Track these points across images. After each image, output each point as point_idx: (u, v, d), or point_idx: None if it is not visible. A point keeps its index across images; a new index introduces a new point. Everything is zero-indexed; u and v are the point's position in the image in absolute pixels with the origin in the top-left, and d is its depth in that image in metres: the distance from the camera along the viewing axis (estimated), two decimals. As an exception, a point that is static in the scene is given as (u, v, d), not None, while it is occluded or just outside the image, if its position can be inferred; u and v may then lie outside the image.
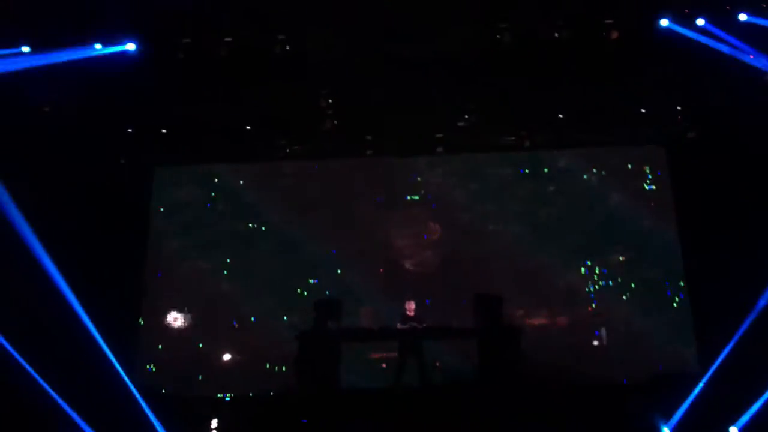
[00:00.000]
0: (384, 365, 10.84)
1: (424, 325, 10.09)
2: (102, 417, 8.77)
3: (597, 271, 11.77)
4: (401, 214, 12.25)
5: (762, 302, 9.47)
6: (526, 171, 12.24)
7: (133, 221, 11.53)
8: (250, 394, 10.84)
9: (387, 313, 10.96)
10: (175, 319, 11.67)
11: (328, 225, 11.91)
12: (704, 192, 10.87)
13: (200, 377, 11.17)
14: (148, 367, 11.24)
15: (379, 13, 9.07)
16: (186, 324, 11.58)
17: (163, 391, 10.88)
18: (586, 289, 11.75)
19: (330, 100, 10.89)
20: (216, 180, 12.26)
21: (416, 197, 12.26)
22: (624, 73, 9.97)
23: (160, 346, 11.37)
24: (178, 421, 9.18)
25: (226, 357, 11.51)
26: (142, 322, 11.40)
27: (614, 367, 10.86)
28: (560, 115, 11.20)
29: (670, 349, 10.88)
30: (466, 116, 11.28)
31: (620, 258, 11.74)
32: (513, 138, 11.76)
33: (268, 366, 11.28)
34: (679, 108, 11.05)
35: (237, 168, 12.10)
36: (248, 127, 11.38)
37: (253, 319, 11.62)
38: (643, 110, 11.07)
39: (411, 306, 10.31)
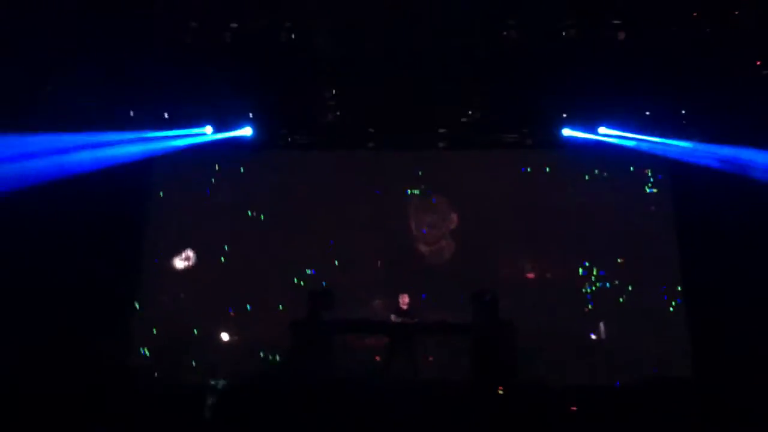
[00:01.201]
0: (377, 357, 10.81)
1: (417, 319, 10.07)
2: (94, 400, 8.79)
3: (594, 272, 11.74)
4: (401, 207, 12.20)
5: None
6: (528, 169, 12.21)
7: (132, 204, 11.56)
8: (243, 382, 10.85)
9: (382, 306, 10.98)
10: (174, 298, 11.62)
11: (326, 216, 11.89)
12: (703, 197, 10.87)
13: (194, 363, 11.16)
14: (141, 350, 11.25)
15: (385, 7, 9.07)
16: (181, 309, 11.54)
17: (156, 374, 10.93)
18: (583, 290, 11.71)
19: (333, 91, 10.90)
20: (216, 167, 12.22)
21: (417, 191, 12.23)
22: (628, 73, 9.95)
23: (154, 330, 11.35)
24: (169, 405, 9.18)
25: (221, 343, 11.50)
26: (138, 306, 11.42)
27: (608, 369, 10.84)
28: (564, 114, 11.21)
29: (665, 353, 10.86)
30: (470, 112, 11.31)
31: (618, 260, 11.69)
32: (516, 135, 11.78)
33: (262, 354, 11.29)
34: (683, 112, 11.03)
35: (238, 156, 12.05)
36: (250, 115, 11.41)
37: (248, 307, 11.61)
38: (647, 113, 11.06)
39: (405, 299, 10.30)
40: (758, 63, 9.87)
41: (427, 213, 12.13)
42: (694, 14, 9.23)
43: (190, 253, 11.87)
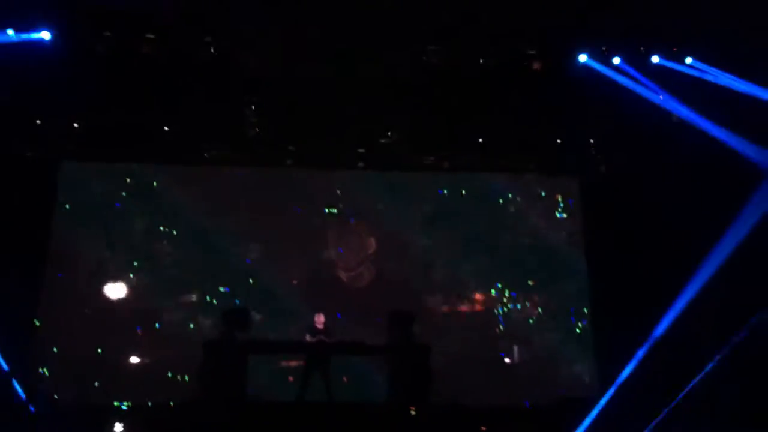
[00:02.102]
0: (291, 378, 10.67)
1: (332, 339, 10.02)
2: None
3: (506, 294, 12.01)
4: (319, 226, 12.13)
5: (657, 332, 9.93)
6: (445, 192, 12.40)
7: (36, 216, 11.01)
8: (149, 403, 10.47)
9: (297, 325, 10.83)
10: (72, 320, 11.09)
11: (243, 233, 11.68)
12: (612, 223, 11.37)
13: (97, 383, 10.66)
14: (41, 370, 10.67)
15: (309, 29, 9.11)
16: (85, 326, 11.02)
17: (56, 396, 10.39)
18: (495, 311, 11.96)
19: (253, 107, 10.79)
20: (128, 180, 11.79)
21: (334, 210, 12.20)
22: (544, 103, 10.33)
23: (55, 349, 10.79)
24: (70, 429, 8.75)
25: (126, 363, 11.05)
26: (38, 323, 10.84)
27: (518, 389, 11.10)
28: (480, 139, 11.51)
29: (572, 373, 11.22)
30: (389, 133, 11.42)
31: (529, 282, 12.02)
32: (433, 158, 11.97)
33: (170, 374, 10.90)
34: (592, 141, 11.54)
35: (152, 169, 11.71)
36: (165, 128, 11.13)
37: (157, 325, 11.22)
38: (558, 140, 11.51)
39: (320, 319, 10.21)
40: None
41: (345, 233, 12.11)
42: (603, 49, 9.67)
43: (95, 268, 11.34)
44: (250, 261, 11.62)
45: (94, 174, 11.42)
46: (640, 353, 10.33)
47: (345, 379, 10.79)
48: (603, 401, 10.34)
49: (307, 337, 10.06)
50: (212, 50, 9.56)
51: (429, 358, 10.13)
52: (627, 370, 10.39)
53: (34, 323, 10.83)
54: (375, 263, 12.03)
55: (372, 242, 12.09)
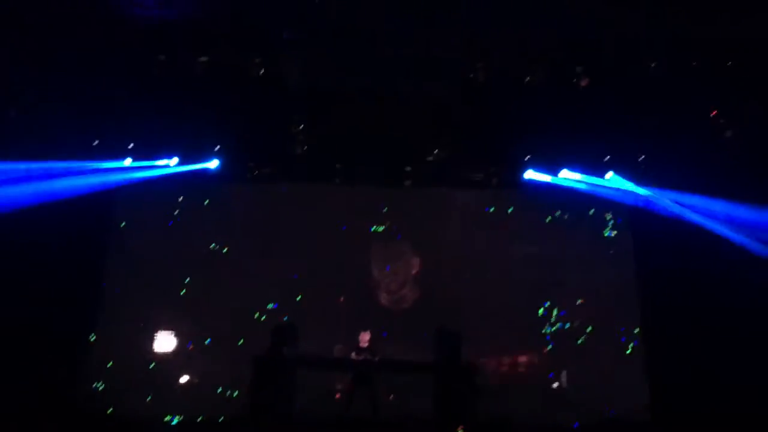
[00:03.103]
0: (338, 395, 10.70)
1: (377, 357, 10.03)
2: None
3: (555, 313, 11.85)
4: (365, 244, 12.19)
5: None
6: (492, 209, 12.35)
7: (94, 236, 11.37)
8: (200, 418, 10.64)
9: (343, 343, 10.86)
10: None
11: (291, 250, 11.80)
12: (664, 241, 11.15)
13: (149, 398, 10.88)
14: (95, 385, 10.94)
15: (357, 47, 9.24)
16: (139, 341, 11.28)
17: (109, 411, 10.63)
18: (543, 331, 11.80)
19: (301, 126, 10.96)
20: (180, 199, 12.09)
21: (380, 228, 12.25)
22: (591, 119, 10.25)
23: (110, 364, 11.05)
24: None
25: (178, 378, 11.25)
26: (93, 338, 11.14)
27: (567, 410, 10.90)
28: (527, 156, 11.46)
29: (622, 395, 10.97)
30: (436, 151, 11.47)
31: (578, 301, 11.83)
32: (481, 175, 11.96)
33: (220, 390, 11.06)
34: (642, 158, 11.37)
35: (202, 188, 11.97)
36: (217, 147, 11.39)
37: (208, 341, 11.41)
38: (608, 157, 11.38)
39: (365, 337, 10.24)
40: (714, 113, 10.28)
41: (391, 252, 12.13)
42: (653, 65, 9.60)
43: (150, 285, 11.58)
44: (297, 277, 11.73)
45: (148, 192, 11.69)
46: (695, 376, 10.14)
47: (391, 397, 10.78)
48: (656, 426, 10.18)
49: (353, 355, 10.09)
50: (262, 70, 9.77)
51: (476, 377, 10.03)
52: (682, 394, 10.19)
53: (89, 338, 11.13)
54: (419, 283, 12.00)
55: (416, 262, 12.09)
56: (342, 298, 11.71)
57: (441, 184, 12.01)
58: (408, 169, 11.91)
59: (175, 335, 11.46)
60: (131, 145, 11.11)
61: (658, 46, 9.08)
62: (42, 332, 10.28)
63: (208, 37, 9.50)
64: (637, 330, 11.57)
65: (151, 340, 11.37)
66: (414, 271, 12.10)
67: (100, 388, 10.96)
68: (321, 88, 9.97)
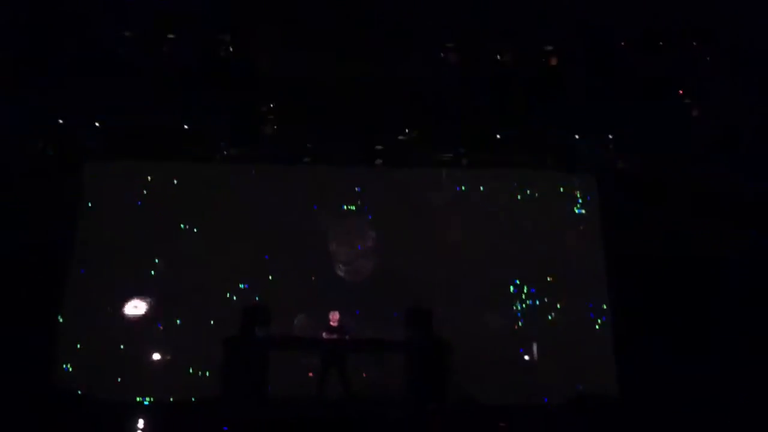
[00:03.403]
0: (310, 374, 10.74)
1: (348, 336, 10.08)
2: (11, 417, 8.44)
3: (525, 290, 11.99)
4: (337, 223, 12.18)
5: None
6: (463, 188, 12.39)
7: (59, 216, 11.17)
8: (171, 399, 10.62)
9: (316, 322, 10.90)
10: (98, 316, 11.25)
11: (262, 230, 11.74)
12: (630, 220, 11.30)
13: (119, 379, 10.82)
14: (64, 366, 10.85)
15: (328, 27, 9.12)
16: (108, 323, 11.17)
17: (79, 392, 10.56)
18: (514, 308, 11.94)
19: (271, 105, 10.84)
20: (149, 178, 11.94)
21: (353, 207, 12.24)
22: (561, 99, 10.27)
23: (78, 345, 10.96)
24: (93, 425, 8.90)
25: (148, 359, 11.19)
26: (61, 320, 11.01)
27: (537, 386, 11.09)
28: (498, 136, 11.48)
29: (591, 370, 11.17)
30: (407, 130, 11.43)
31: (548, 279, 11.98)
32: (451, 155, 11.97)
33: (191, 370, 11.03)
34: (610, 137, 11.46)
35: (172, 167, 11.82)
36: (185, 126, 11.22)
37: (179, 321, 11.35)
38: (576, 136, 11.44)
39: (335, 316, 10.28)
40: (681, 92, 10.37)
41: (363, 229, 12.14)
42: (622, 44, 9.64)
43: (118, 265, 11.46)
44: (268, 258, 11.69)
45: (116, 173, 11.54)
46: (662, 350, 10.36)
47: (364, 374, 10.85)
48: (623, 399, 10.40)
49: (324, 335, 10.13)
50: (230, 48, 9.61)
51: (448, 356, 10.15)
52: (649, 367, 10.40)
53: (58, 320, 11.00)
54: (392, 257, 12.00)
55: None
56: (313, 277, 11.73)
57: (412, 163, 12.00)
58: (379, 147, 11.86)
59: (145, 316, 11.35)
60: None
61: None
62: (9, 314, 10.13)
63: (176, 15, 9.30)
64: (605, 306, 11.75)
65: (121, 321, 11.27)
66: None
67: (70, 370, 10.87)
68: (291, 69, 9.84)
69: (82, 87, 9.78)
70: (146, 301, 11.45)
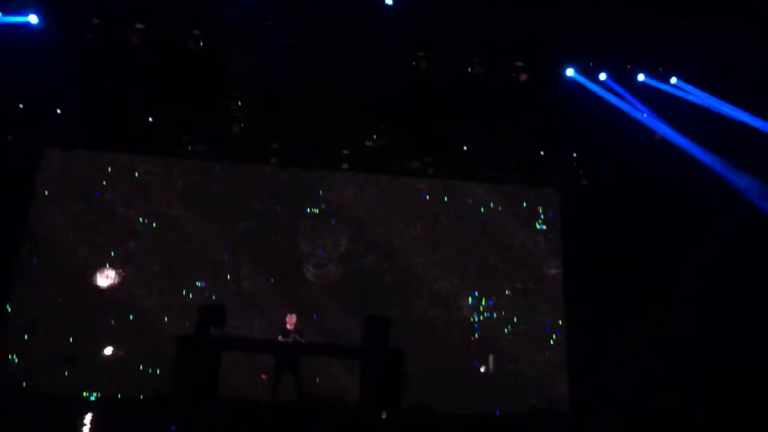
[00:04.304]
0: (263, 376, 10.62)
1: (304, 340, 10.01)
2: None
3: (483, 303, 12.04)
4: (300, 225, 12.09)
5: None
6: (427, 197, 12.42)
7: (13, 202, 10.89)
8: (119, 396, 10.41)
9: (271, 324, 10.79)
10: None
11: (222, 229, 11.60)
12: (590, 237, 11.47)
13: (66, 373, 10.56)
14: (10, 357, 10.55)
15: (299, 27, 9.12)
16: (58, 315, 10.88)
17: (24, 384, 10.28)
18: (472, 319, 11.99)
19: (239, 103, 10.76)
20: (109, 169, 11.69)
21: (316, 211, 12.16)
22: (529, 114, 10.42)
23: (26, 336, 10.67)
24: (36, 418, 8.65)
25: (98, 354, 10.94)
26: (9, 309, 10.72)
27: (490, 398, 11.15)
28: (465, 147, 11.57)
29: (544, 385, 11.28)
30: (374, 136, 11.45)
31: (506, 292, 12.06)
32: (417, 163, 12.02)
33: (141, 367, 10.82)
34: (574, 154, 11.65)
35: (133, 159, 11.62)
36: (150, 119, 11.07)
37: (131, 317, 11.12)
38: (542, 152, 11.60)
39: (292, 319, 10.18)
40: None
41: (325, 233, 12.06)
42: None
43: (72, 256, 11.20)
44: (227, 256, 11.55)
45: (76, 161, 11.30)
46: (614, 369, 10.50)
47: (317, 379, 10.78)
48: (573, 414, 10.50)
49: (279, 338, 10.03)
50: (200, 43, 9.51)
51: (402, 363, 10.12)
52: (600, 384, 10.53)
53: (6, 309, 10.71)
54: (345, 261, 11.96)
55: (344, 240, 12.05)
56: (272, 279, 11.62)
57: (378, 170, 12.01)
58: (346, 152, 11.84)
59: (97, 310, 11.09)
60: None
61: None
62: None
63: (149, 8, 9.19)
64: (560, 322, 11.87)
65: (72, 313, 10.97)
66: (341, 249, 12.05)
67: (15, 361, 10.58)
68: (262, 69, 9.79)
69: (47, 71, 9.62)
70: (99, 295, 11.18)
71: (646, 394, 10.11)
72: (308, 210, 12.15)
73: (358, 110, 10.59)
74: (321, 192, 12.15)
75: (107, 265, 11.30)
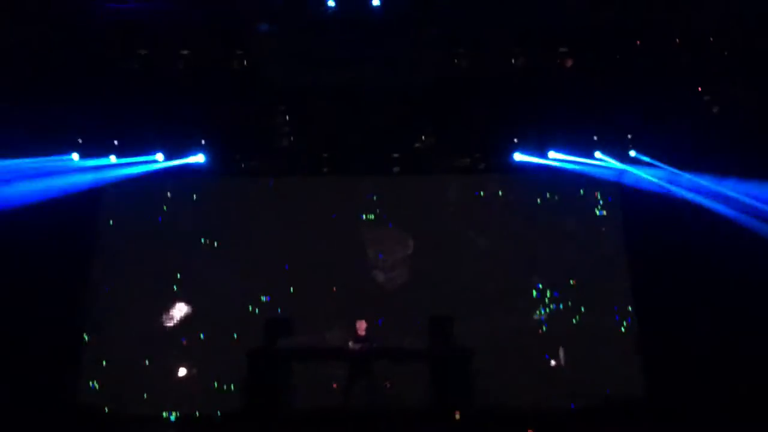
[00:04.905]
0: (335, 385, 10.69)
1: (375, 345, 10.03)
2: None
3: (548, 294, 11.84)
4: (356, 232, 12.15)
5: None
6: (481, 193, 12.30)
7: (80, 233, 11.29)
8: (197, 413, 10.64)
9: (340, 332, 10.84)
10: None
11: (282, 242, 11.74)
12: (654, 219, 11.18)
13: (145, 395, 10.86)
14: (90, 384, 10.91)
15: (336, 38, 9.18)
16: (132, 339, 11.20)
17: (106, 409, 10.61)
18: (537, 312, 11.80)
19: (287, 117, 10.90)
20: (168, 194, 12.01)
21: (372, 216, 12.20)
22: (578, 100, 10.23)
23: (104, 362, 11.02)
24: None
25: (173, 375, 11.21)
26: (86, 337, 11.09)
27: (563, 390, 10.95)
28: (515, 140, 11.44)
29: (617, 373, 11.00)
30: (423, 137, 11.43)
31: (571, 282, 11.83)
32: (468, 160, 11.93)
33: (216, 385, 11.03)
34: (629, 136, 11.37)
35: (190, 183, 11.89)
36: (202, 141, 11.31)
37: (202, 336, 11.36)
38: (595, 137, 11.36)
39: (362, 326, 10.24)
40: (699, 89, 10.27)
41: (383, 238, 12.08)
42: (638, 42, 9.59)
43: (141, 282, 11.51)
44: (288, 268, 11.67)
45: (135, 190, 11.61)
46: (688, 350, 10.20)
47: (388, 384, 10.78)
48: (651, 401, 10.25)
49: (350, 345, 10.08)
50: (244, 62, 9.69)
51: (471, 362, 10.07)
52: (676, 368, 10.25)
53: (83, 337, 11.08)
54: (413, 265, 11.94)
55: (410, 243, 12.03)
56: (334, 288, 11.68)
57: (429, 170, 11.97)
58: (396, 156, 11.85)
59: (169, 331, 11.39)
60: (115, 142, 11.02)
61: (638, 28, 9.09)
62: (34, 334, 10.24)
63: (187, 31, 9.40)
64: (630, 308, 11.58)
65: (145, 337, 11.28)
66: (408, 252, 12.01)
67: (96, 388, 10.93)
68: (303, 81, 9.89)
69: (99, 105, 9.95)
70: (169, 317, 11.47)
71: (724, 379, 9.81)
72: (363, 216, 12.19)
73: (404, 113, 10.59)
74: (375, 197, 12.18)
75: (174, 287, 11.61)
